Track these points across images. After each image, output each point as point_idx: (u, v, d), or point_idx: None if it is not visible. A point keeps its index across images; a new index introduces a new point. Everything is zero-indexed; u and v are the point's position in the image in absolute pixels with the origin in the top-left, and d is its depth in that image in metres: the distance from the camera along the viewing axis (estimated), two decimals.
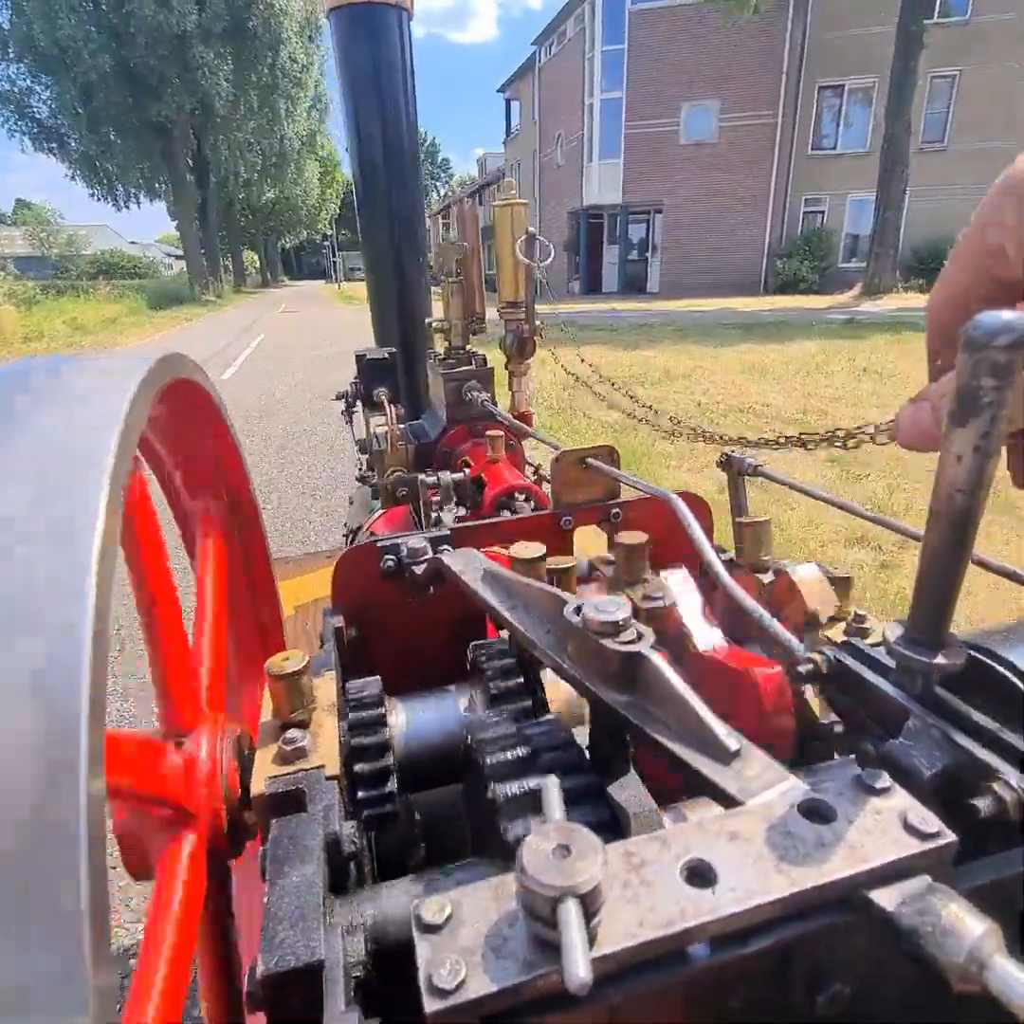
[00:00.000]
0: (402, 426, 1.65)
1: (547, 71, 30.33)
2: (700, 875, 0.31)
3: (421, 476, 1.33)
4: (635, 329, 14.21)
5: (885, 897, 0.31)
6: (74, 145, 30.70)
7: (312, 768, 0.50)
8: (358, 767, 0.58)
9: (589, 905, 0.28)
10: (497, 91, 40.50)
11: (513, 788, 0.44)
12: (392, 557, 0.79)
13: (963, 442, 0.34)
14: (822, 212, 26.10)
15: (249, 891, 0.63)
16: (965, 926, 0.28)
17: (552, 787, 0.36)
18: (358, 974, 0.38)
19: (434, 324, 1.90)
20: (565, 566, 0.74)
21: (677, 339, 12.21)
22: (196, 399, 0.70)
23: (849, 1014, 0.34)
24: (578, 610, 0.48)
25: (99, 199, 35.74)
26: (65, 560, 0.31)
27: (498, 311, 1.76)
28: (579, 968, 0.25)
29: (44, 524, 0.33)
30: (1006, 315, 0.32)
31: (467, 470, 1.44)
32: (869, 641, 0.53)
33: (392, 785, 0.58)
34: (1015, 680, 0.44)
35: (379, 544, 0.80)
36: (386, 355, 1.88)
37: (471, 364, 1.72)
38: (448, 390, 1.67)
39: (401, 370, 1.99)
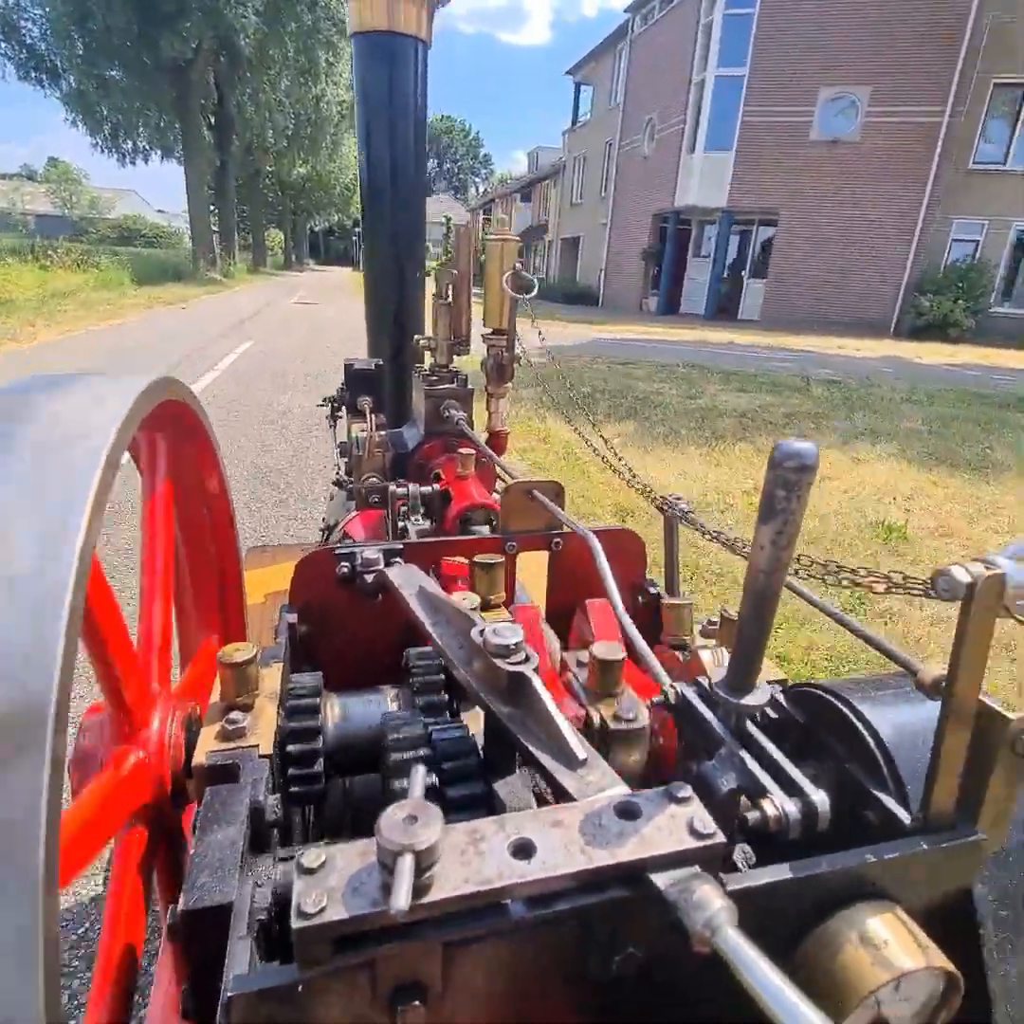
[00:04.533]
0: (382, 434, 1.68)
1: (642, 42, 25.16)
2: (523, 850, 0.40)
3: (392, 487, 1.37)
4: (857, 394, 8.86)
5: (661, 879, 0.40)
6: (71, 79, 25.57)
7: (248, 746, 0.58)
8: (291, 748, 0.66)
9: (423, 860, 0.36)
10: (566, 73, 35.39)
11: (405, 782, 0.51)
12: (347, 564, 0.85)
13: (765, 536, 0.44)
14: (976, 242, 20.86)
15: None
16: (709, 901, 0.37)
17: (418, 772, 0.44)
18: (262, 918, 0.46)
19: (421, 342, 1.92)
20: (493, 562, 0.83)
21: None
22: (186, 417, 0.82)
23: (641, 976, 0.43)
24: (481, 632, 0.58)
25: (102, 150, 30.78)
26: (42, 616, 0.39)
27: (483, 337, 1.75)
28: (400, 899, 0.33)
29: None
30: (798, 444, 0.42)
31: (437, 483, 1.49)
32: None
33: (319, 767, 0.66)
34: (858, 723, 0.54)
35: (337, 551, 0.86)
36: (373, 367, 1.92)
37: (453, 383, 1.77)
38: (428, 405, 1.71)
39: (389, 382, 2.07)
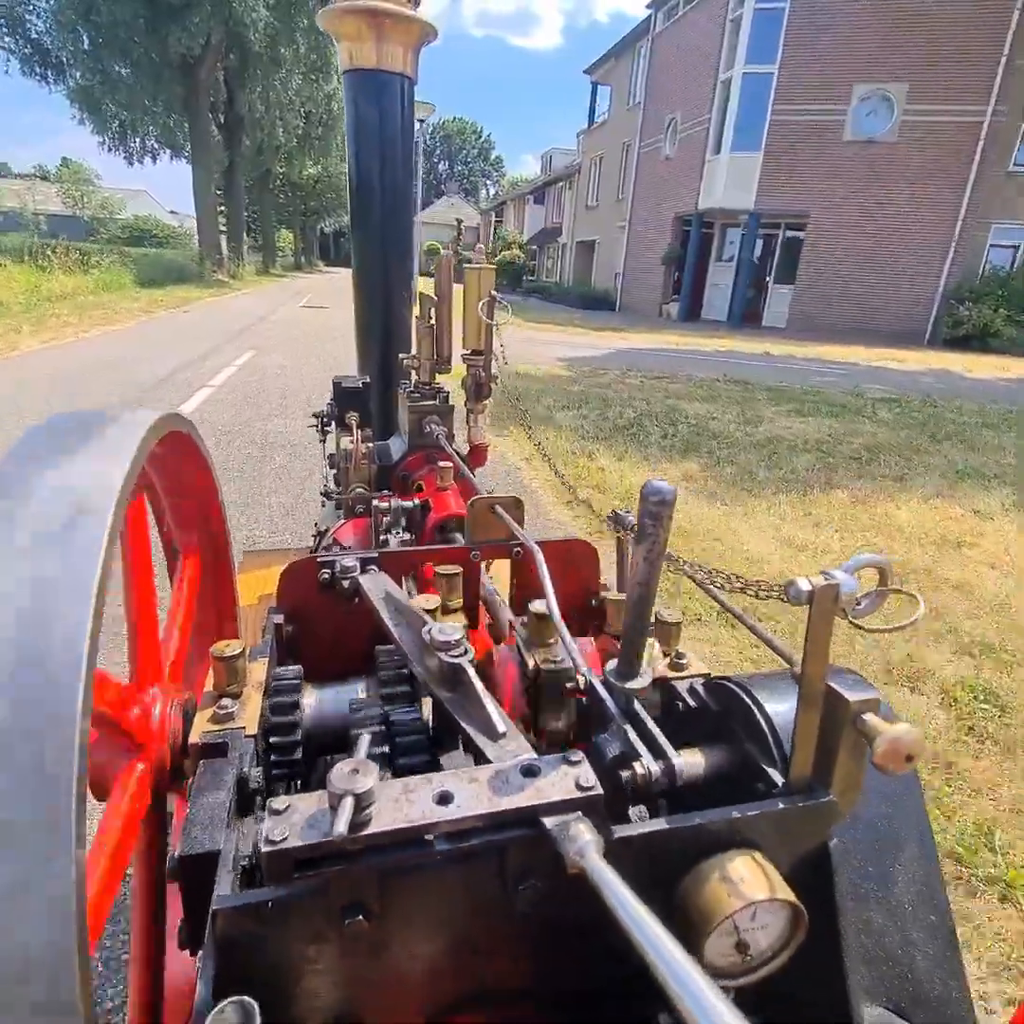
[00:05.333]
0: (368, 447, 1.75)
1: (665, 39, 24.27)
2: (444, 798, 0.49)
3: (375, 501, 1.42)
4: None
5: (549, 820, 0.49)
6: (77, 75, 24.78)
7: (236, 728, 0.67)
8: (273, 732, 0.75)
9: (362, 801, 0.45)
10: (583, 72, 34.50)
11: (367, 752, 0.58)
12: (327, 571, 0.92)
13: (639, 555, 0.56)
14: (1015, 247, 19.84)
15: None
16: (581, 835, 0.47)
17: (364, 739, 0.56)
18: (244, 864, 0.56)
19: (406, 361, 1.99)
20: (452, 572, 0.93)
21: None
22: (188, 446, 0.92)
23: (542, 904, 0.53)
24: (429, 631, 0.68)
25: (110, 149, 30.11)
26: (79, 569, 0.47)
27: (462, 357, 1.86)
28: (340, 826, 0.43)
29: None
30: (661, 484, 0.53)
31: (419, 494, 1.58)
32: (687, 672, 0.75)
33: (297, 747, 0.75)
34: (755, 710, 0.63)
35: (318, 559, 0.93)
36: (360, 384, 1.98)
37: (435, 400, 1.86)
38: (411, 420, 1.81)
39: (376, 397, 2.16)
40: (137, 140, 29.79)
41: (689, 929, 0.51)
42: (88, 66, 23.89)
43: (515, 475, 5.01)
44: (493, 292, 1.65)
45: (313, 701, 0.83)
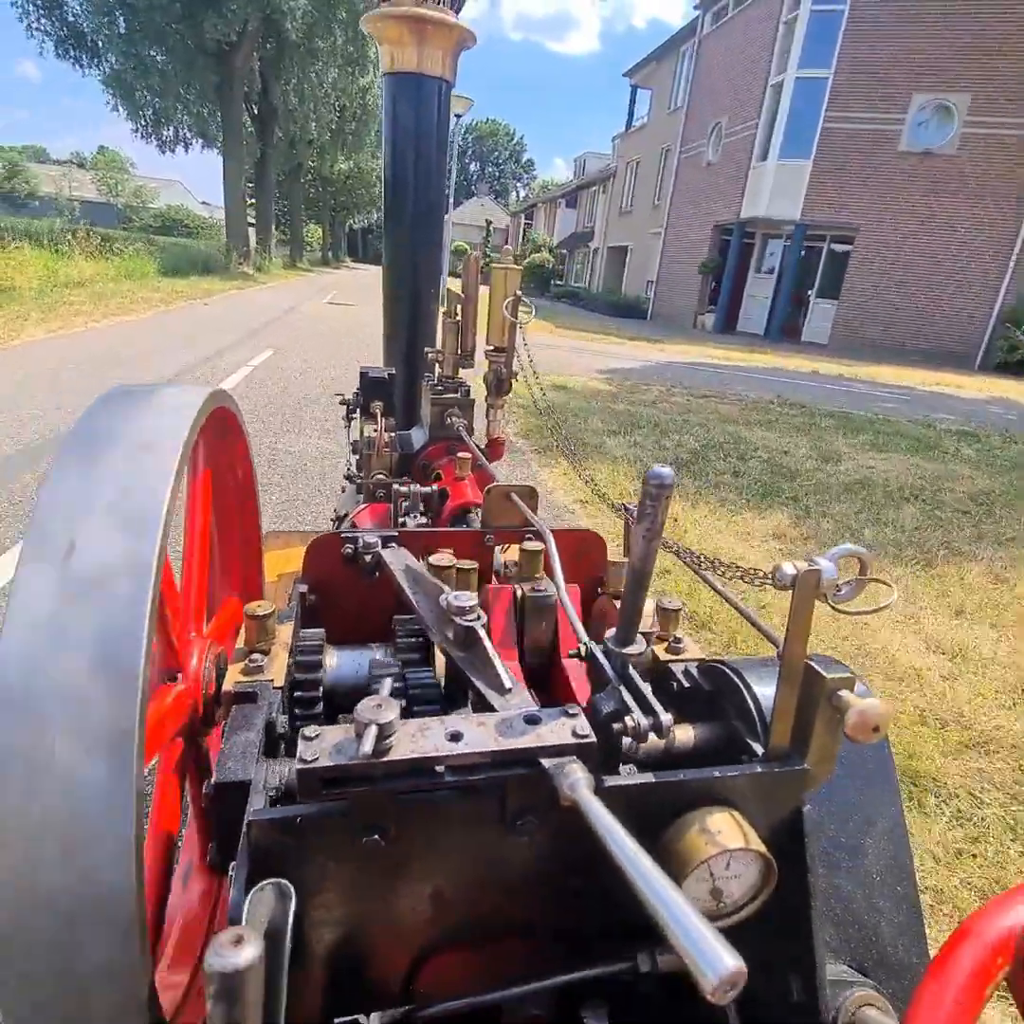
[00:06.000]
0: (392, 435, 1.82)
1: (712, 41, 23.44)
2: (455, 736, 0.54)
3: (395, 485, 1.48)
4: None
5: (547, 761, 0.53)
6: (112, 59, 24.42)
7: (265, 680, 0.74)
8: (297, 687, 0.81)
9: (383, 731, 0.51)
10: (623, 75, 33.71)
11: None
12: (351, 546, 0.98)
13: (639, 532, 0.60)
14: None
15: None
16: (574, 772, 0.51)
17: (386, 681, 0.65)
18: (272, 794, 0.61)
19: (430, 354, 2.04)
20: (469, 567, 0.97)
21: None
22: (232, 423, 1.02)
23: (538, 842, 0.59)
24: (446, 598, 0.73)
25: (143, 136, 29.85)
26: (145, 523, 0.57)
27: (485, 353, 1.88)
28: (365, 747, 0.49)
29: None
30: (663, 470, 0.57)
31: (437, 482, 1.61)
32: (684, 656, 0.81)
33: (320, 701, 0.82)
34: (744, 691, 0.67)
35: (342, 535, 1.00)
36: (386, 375, 2.13)
37: (457, 393, 1.88)
38: (433, 412, 1.85)
39: (401, 388, 2.26)
40: (170, 128, 29.50)
41: (668, 874, 0.54)
42: (122, 51, 23.53)
43: (571, 523, 4.24)
44: (518, 292, 1.70)
45: (335, 661, 0.88)
